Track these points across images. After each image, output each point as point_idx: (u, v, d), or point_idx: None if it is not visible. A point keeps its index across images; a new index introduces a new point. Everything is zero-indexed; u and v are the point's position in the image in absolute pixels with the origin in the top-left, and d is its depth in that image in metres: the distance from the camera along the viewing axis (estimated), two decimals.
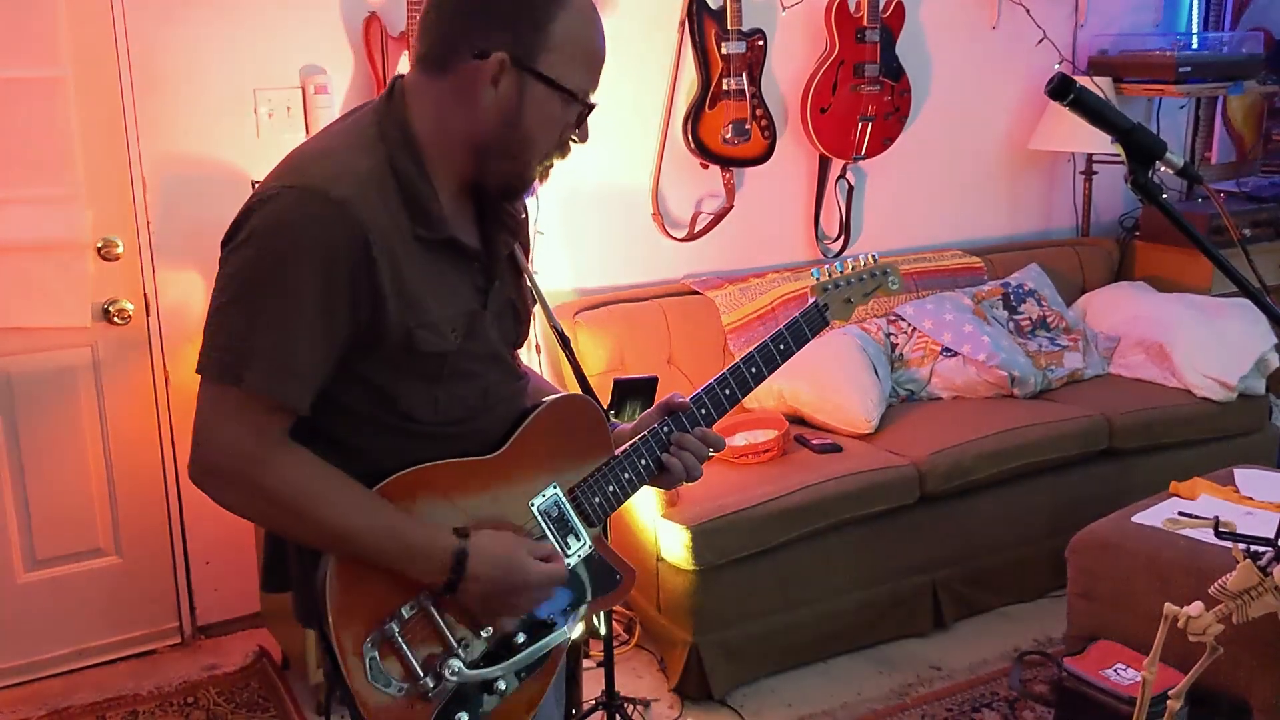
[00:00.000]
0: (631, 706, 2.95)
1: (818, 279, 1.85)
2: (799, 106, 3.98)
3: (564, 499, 1.61)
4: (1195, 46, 4.61)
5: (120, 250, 3.14)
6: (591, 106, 1.51)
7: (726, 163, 3.84)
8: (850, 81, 3.95)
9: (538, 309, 1.74)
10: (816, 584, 3.25)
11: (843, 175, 4.15)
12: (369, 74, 3.29)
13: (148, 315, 3.21)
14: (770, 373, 1.77)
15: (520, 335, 1.66)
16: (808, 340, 1.81)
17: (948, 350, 3.81)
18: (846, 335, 3.72)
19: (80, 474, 3.23)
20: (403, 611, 1.47)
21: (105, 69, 3.07)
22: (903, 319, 3.92)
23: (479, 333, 1.53)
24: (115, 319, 3.17)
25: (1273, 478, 3.17)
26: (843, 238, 4.21)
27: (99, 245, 3.13)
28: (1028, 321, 4.08)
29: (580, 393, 1.70)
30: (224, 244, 1.42)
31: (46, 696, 3.15)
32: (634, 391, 2.50)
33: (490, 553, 1.48)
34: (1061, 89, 1.40)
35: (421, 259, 1.44)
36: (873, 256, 1.90)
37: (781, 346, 1.77)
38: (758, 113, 3.79)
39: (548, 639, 1.57)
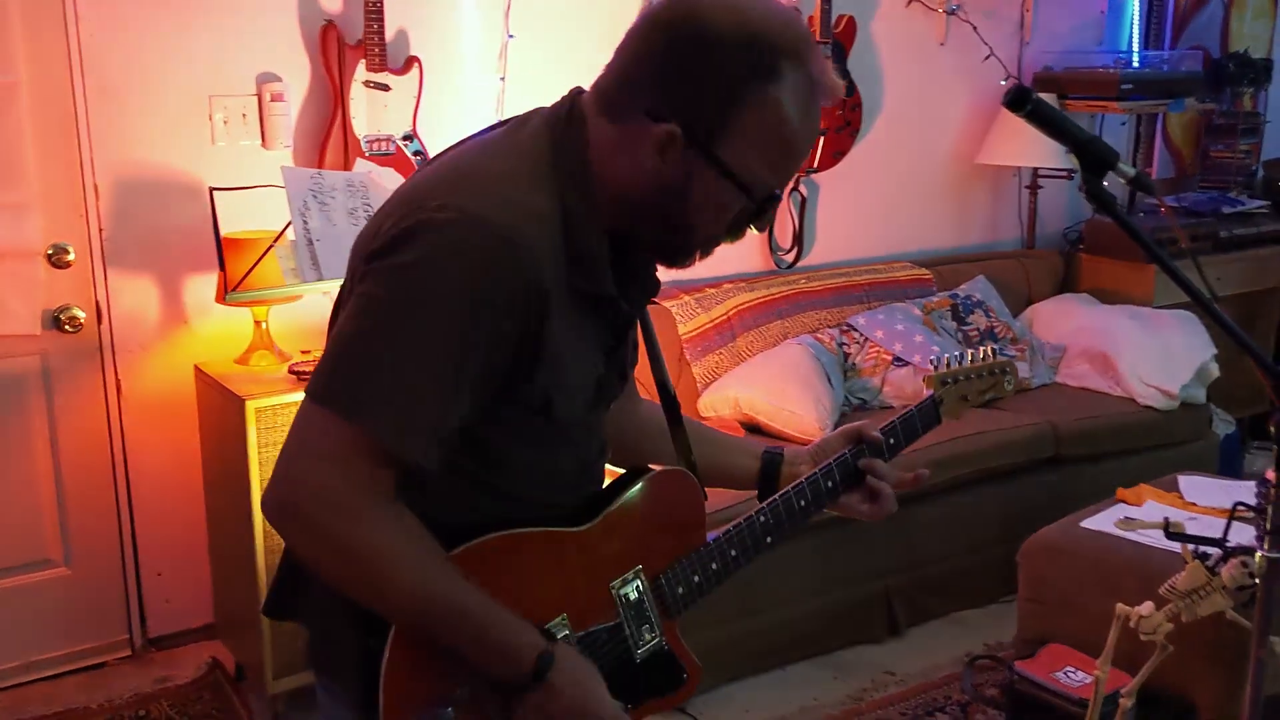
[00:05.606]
0: None
1: (935, 370, 1.71)
2: None
3: (646, 586, 1.46)
4: (1137, 64, 4.73)
5: (71, 257, 3.10)
6: (775, 199, 1.30)
7: None
8: None
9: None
10: (772, 592, 3.27)
11: (795, 188, 4.20)
12: (326, 82, 3.28)
13: (99, 323, 3.17)
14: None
15: (615, 399, 1.51)
16: (918, 436, 1.68)
17: (899, 360, 3.86)
18: (800, 344, 3.76)
19: (29, 484, 3.18)
20: (459, 693, 1.29)
21: (58, 74, 3.03)
22: (855, 329, 3.97)
23: (601, 399, 1.39)
24: (66, 327, 3.12)
25: (1214, 484, 3.25)
26: (795, 249, 4.26)
27: (49, 252, 3.08)
28: (976, 332, 4.15)
29: (682, 468, 1.53)
30: (374, 255, 1.21)
31: None
32: None
33: (572, 672, 1.30)
34: (1018, 99, 1.40)
35: (569, 313, 1.26)
36: (993, 350, 1.73)
37: (891, 441, 1.65)
38: None
39: None
